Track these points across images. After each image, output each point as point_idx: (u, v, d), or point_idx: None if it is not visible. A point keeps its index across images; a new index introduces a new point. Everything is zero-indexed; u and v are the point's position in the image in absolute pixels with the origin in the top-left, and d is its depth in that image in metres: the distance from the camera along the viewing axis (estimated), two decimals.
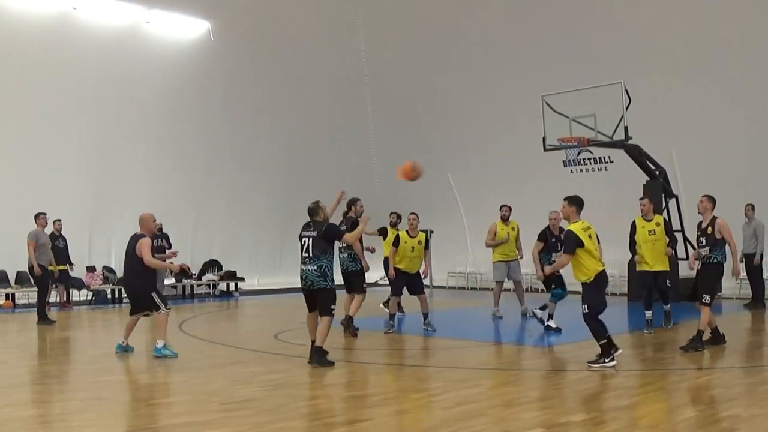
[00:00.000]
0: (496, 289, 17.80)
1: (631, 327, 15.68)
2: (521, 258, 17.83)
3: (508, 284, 18.08)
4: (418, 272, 15.79)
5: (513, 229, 17.53)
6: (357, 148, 29.53)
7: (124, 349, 12.83)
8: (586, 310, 10.95)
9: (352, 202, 15.14)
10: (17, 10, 22.35)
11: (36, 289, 18.31)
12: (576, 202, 11.34)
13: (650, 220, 14.93)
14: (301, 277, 11.69)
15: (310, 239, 11.65)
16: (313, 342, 11.49)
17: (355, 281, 15.11)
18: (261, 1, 25.83)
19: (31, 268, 17.68)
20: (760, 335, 15.02)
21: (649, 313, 14.76)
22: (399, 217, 17.08)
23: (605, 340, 10.89)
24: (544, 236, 15.35)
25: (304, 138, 28.19)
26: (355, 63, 28.38)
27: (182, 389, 10.05)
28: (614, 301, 21.72)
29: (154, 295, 12.61)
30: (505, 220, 17.53)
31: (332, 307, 11.58)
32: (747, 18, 21.21)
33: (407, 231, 15.62)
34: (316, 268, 11.49)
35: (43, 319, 17.32)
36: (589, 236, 11.02)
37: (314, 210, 11.90)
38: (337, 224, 13.77)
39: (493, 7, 25.48)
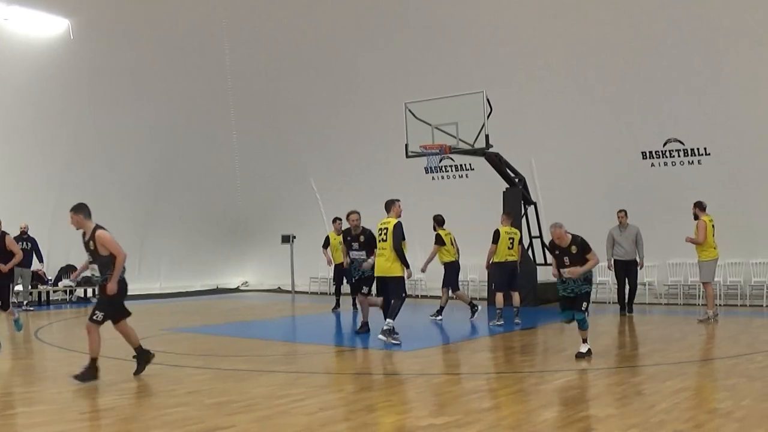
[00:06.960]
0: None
1: (491, 331, 15.96)
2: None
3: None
4: None
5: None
6: (219, 152, 29.13)
7: None
8: None
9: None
10: None
11: None
12: None
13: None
14: None
15: None
16: None
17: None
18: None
19: None
20: (622, 337, 15.51)
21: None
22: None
23: None
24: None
25: (165, 140, 27.66)
26: (218, 66, 28.05)
27: (40, 399, 9.74)
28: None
29: None
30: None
31: None
32: (604, 27, 21.84)
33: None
34: None
35: None
36: None
37: None
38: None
39: (358, 13, 25.58)
